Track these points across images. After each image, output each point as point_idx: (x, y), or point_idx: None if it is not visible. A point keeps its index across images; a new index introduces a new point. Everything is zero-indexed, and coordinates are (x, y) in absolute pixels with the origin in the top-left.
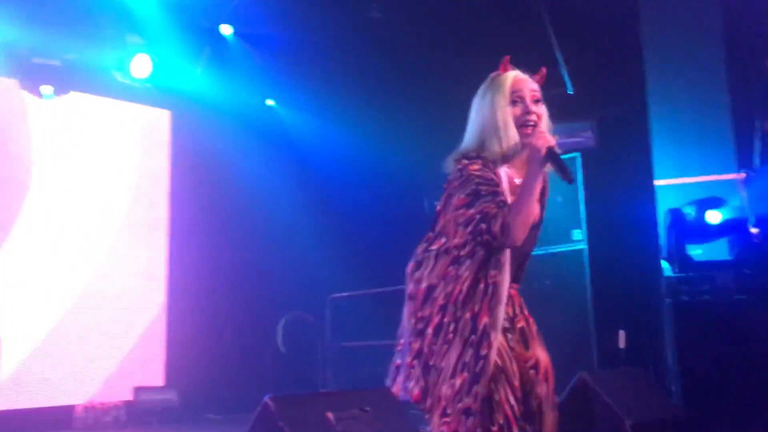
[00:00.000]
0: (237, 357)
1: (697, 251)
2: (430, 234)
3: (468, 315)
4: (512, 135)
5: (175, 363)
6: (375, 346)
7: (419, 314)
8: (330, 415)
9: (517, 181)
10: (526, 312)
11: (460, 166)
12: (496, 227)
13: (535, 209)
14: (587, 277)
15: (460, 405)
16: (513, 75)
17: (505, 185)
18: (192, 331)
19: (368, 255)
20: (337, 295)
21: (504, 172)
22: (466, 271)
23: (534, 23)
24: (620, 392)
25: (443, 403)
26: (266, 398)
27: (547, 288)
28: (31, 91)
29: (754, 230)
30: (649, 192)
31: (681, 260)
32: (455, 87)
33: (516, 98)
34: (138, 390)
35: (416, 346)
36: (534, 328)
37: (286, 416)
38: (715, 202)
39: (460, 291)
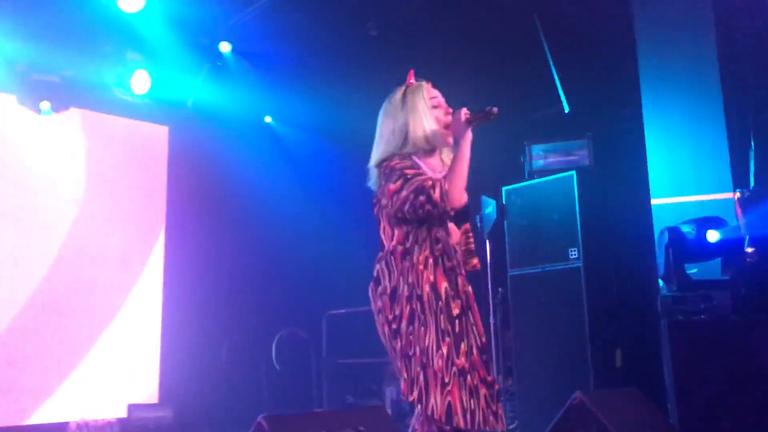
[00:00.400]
0: (232, 374)
1: (691, 270)
2: (381, 254)
3: (428, 287)
4: (437, 131)
5: (170, 380)
6: (371, 363)
7: (391, 316)
8: None
9: (434, 172)
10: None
11: (381, 169)
12: (436, 194)
13: (466, 174)
14: (583, 295)
15: (454, 369)
16: (425, 84)
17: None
18: (187, 348)
19: (365, 272)
20: (334, 312)
21: (422, 163)
22: (417, 256)
23: (530, 42)
24: (617, 412)
25: (439, 375)
26: (259, 418)
27: (543, 306)
28: (29, 106)
29: (749, 250)
30: (645, 210)
31: (680, 279)
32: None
33: (435, 103)
34: (132, 407)
35: (398, 345)
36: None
37: None
38: (715, 222)
39: (417, 274)
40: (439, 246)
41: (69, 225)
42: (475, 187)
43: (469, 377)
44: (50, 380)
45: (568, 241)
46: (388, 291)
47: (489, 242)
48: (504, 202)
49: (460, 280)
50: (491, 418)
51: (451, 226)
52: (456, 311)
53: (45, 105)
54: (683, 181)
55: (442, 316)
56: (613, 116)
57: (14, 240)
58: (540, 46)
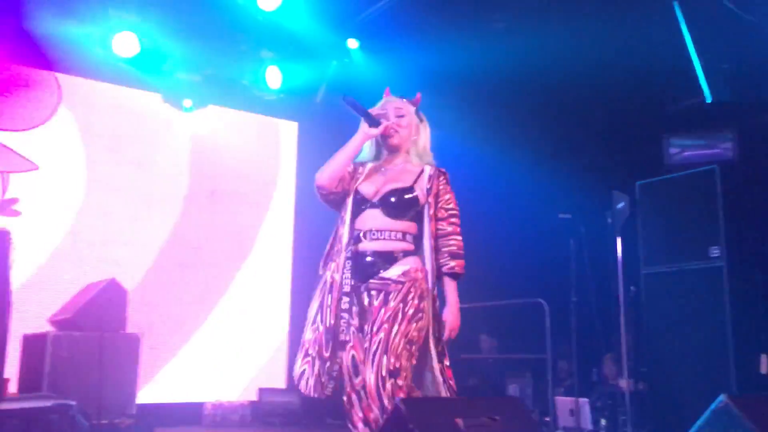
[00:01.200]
0: None
1: None
2: None
3: (327, 273)
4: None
5: None
6: (494, 359)
7: None
8: (459, 420)
9: (383, 169)
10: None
11: None
12: (317, 174)
13: (340, 159)
14: (726, 296)
15: (317, 346)
16: (383, 101)
17: (365, 171)
18: None
19: (485, 268)
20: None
21: (369, 165)
22: (330, 239)
23: (671, 30)
24: (767, 418)
25: (306, 345)
26: (397, 400)
27: (680, 306)
28: (173, 104)
29: None
30: None
31: None
32: (591, 101)
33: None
34: (262, 391)
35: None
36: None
37: (416, 419)
38: None
39: (324, 255)
40: (341, 232)
41: (203, 217)
42: (605, 182)
43: (323, 359)
44: (189, 364)
45: (708, 238)
46: None
47: (620, 239)
48: (637, 198)
49: (336, 263)
50: (319, 387)
51: (376, 212)
52: (335, 295)
53: (187, 102)
54: None
55: (329, 296)
56: (760, 106)
57: (159, 231)
58: (680, 31)
